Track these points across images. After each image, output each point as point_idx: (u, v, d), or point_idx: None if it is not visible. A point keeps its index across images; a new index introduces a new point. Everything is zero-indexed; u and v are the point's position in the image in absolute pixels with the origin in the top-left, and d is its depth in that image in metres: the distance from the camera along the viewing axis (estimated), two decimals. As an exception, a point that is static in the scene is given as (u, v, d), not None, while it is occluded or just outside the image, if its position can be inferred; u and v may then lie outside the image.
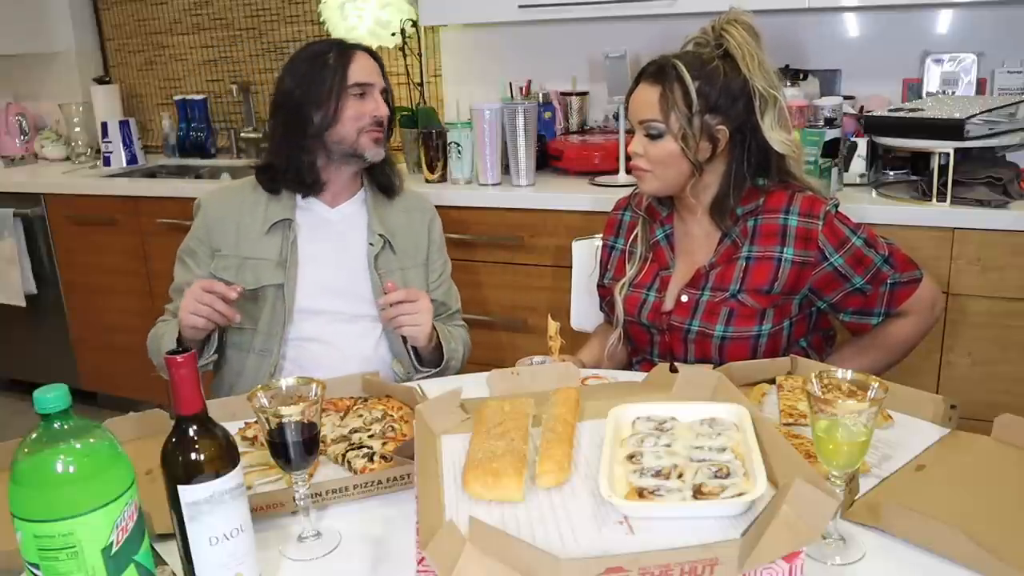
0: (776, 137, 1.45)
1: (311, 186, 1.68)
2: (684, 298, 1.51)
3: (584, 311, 1.92)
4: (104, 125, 3.30)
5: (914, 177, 2.22)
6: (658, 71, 1.44)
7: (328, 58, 1.63)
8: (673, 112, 1.42)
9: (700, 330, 1.49)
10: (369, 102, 1.65)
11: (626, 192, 1.72)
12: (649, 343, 1.59)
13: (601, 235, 1.72)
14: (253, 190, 1.70)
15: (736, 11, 1.46)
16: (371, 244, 1.70)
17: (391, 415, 1.27)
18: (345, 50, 1.66)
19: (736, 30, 1.43)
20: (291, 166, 1.65)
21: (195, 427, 0.85)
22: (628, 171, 2.44)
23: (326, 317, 1.67)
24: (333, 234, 1.71)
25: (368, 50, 1.70)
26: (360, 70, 1.64)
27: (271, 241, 1.67)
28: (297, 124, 1.63)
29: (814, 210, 1.45)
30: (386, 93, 1.70)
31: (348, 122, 1.63)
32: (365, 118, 1.64)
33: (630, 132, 2.52)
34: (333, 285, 1.68)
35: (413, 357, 1.67)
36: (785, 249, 1.45)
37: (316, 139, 1.63)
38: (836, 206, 1.48)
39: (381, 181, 1.75)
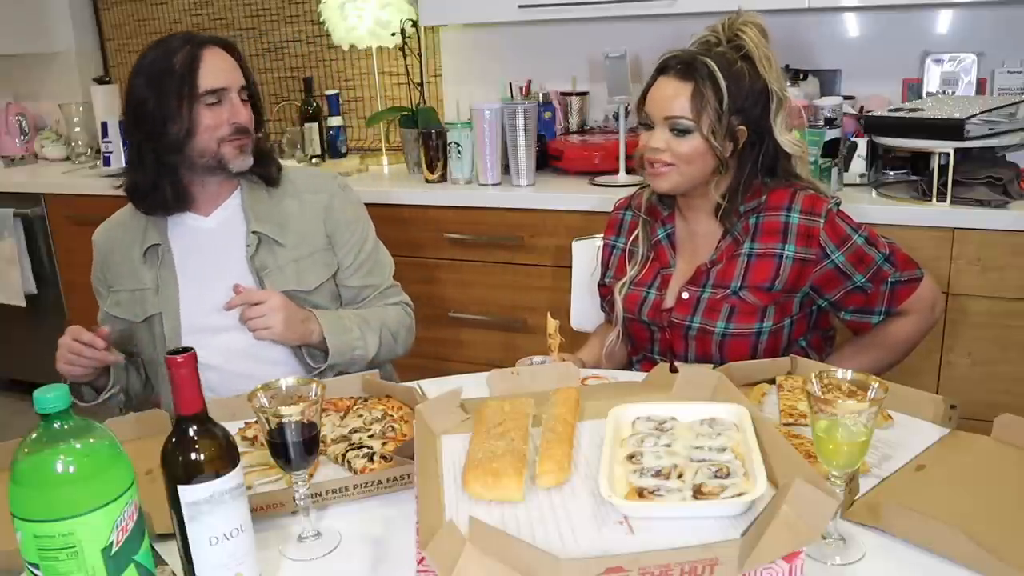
0: (786, 138, 1.47)
1: (179, 203, 1.57)
2: (685, 295, 1.52)
3: (584, 311, 1.92)
4: (104, 125, 3.29)
5: (914, 177, 2.22)
6: (687, 67, 1.42)
7: (175, 62, 1.48)
8: (705, 110, 1.41)
9: (701, 327, 1.49)
10: (224, 109, 1.51)
11: (626, 192, 1.72)
12: (649, 340, 1.59)
13: (601, 235, 1.72)
14: (134, 215, 1.61)
15: (748, 13, 1.46)
16: (248, 246, 1.59)
17: (391, 415, 1.27)
18: (195, 49, 1.50)
19: (752, 31, 1.43)
20: (154, 185, 1.53)
21: (195, 427, 0.85)
22: (629, 170, 2.45)
23: (227, 336, 1.56)
24: (211, 245, 1.60)
25: (222, 42, 1.55)
26: (211, 73, 1.50)
27: (149, 268, 1.59)
28: (154, 138, 1.50)
29: (816, 208, 1.45)
30: (247, 90, 1.56)
31: (205, 134, 1.50)
32: (223, 127, 1.51)
33: (632, 131, 2.54)
34: (222, 300, 1.55)
35: (304, 352, 1.59)
36: (787, 246, 1.46)
37: (175, 155, 1.51)
38: (838, 204, 1.49)
39: (259, 174, 1.62)
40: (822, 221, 1.44)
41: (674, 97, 1.43)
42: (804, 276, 1.47)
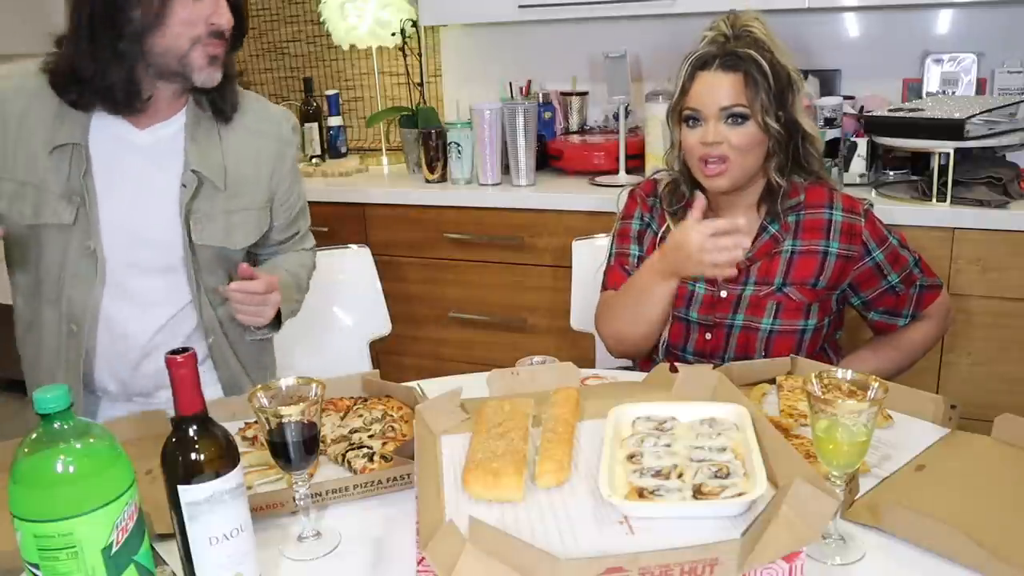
0: (807, 121, 1.48)
1: (124, 104, 1.32)
2: (723, 293, 1.51)
3: (584, 311, 1.91)
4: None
5: (914, 177, 2.22)
6: (731, 59, 1.42)
7: None
8: (758, 95, 1.41)
9: (746, 324, 1.49)
10: (206, 4, 1.28)
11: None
12: (685, 339, 1.55)
13: (601, 235, 1.71)
14: (40, 90, 1.33)
15: (745, 12, 1.46)
16: (184, 186, 1.37)
17: (391, 415, 1.27)
18: None
19: (758, 24, 1.44)
20: (99, 78, 1.28)
21: (195, 427, 0.85)
22: (629, 170, 2.45)
23: (134, 269, 1.37)
24: (138, 165, 1.37)
25: None
26: None
27: (57, 166, 1.32)
28: (109, 22, 1.26)
29: (855, 207, 1.50)
30: None
31: (176, 28, 1.27)
32: (199, 25, 1.28)
33: (632, 131, 2.53)
34: (137, 232, 1.37)
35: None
36: (830, 243, 1.48)
37: (134, 45, 1.27)
38: (871, 206, 1.54)
39: (214, 101, 1.39)
40: (863, 219, 1.48)
41: (727, 87, 1.42)
42: (845, 273, 1.49)
